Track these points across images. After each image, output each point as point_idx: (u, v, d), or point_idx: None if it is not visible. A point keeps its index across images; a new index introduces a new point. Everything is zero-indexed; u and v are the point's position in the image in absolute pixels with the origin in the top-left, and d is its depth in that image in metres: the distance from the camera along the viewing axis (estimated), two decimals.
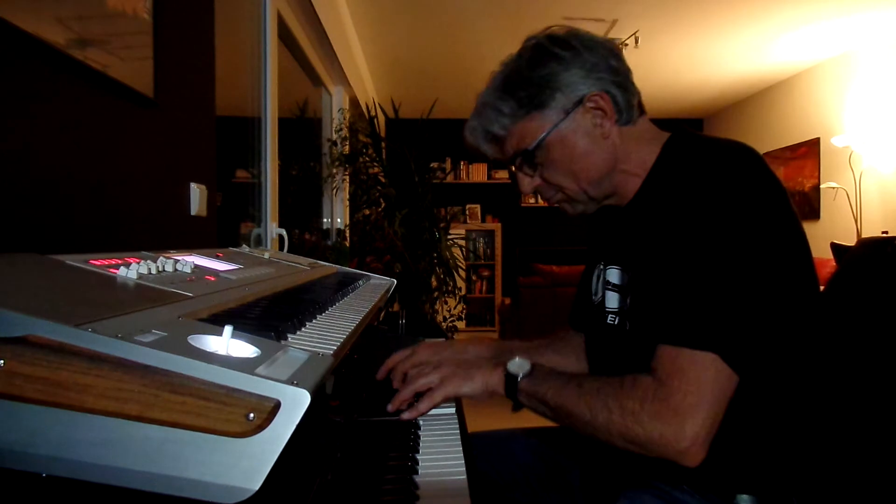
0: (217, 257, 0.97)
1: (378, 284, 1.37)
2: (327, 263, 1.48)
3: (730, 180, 0.80)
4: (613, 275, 0.98)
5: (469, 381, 0.91)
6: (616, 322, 0.96)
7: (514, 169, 0.98)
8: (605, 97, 0.90)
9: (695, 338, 0.75)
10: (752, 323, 0.76)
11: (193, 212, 1.47)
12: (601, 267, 1.01)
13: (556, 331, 1.19)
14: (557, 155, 0.92)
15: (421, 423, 0.92)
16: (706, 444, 0.73)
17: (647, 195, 0.93)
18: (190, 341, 0.46)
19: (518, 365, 0.88)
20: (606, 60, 0.91)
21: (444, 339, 1.27)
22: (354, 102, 4.33)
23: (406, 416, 0.88)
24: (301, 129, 3.54)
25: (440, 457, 0.77)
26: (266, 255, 1.23)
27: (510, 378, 0.88)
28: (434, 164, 4.88)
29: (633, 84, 0.94)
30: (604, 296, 0.99)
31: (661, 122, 0.97)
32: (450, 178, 6.60)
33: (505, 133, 0.94)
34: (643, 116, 0.96)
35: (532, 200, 6.95)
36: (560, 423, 0.85)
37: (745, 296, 0.76)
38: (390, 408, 0.91)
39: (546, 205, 6.63)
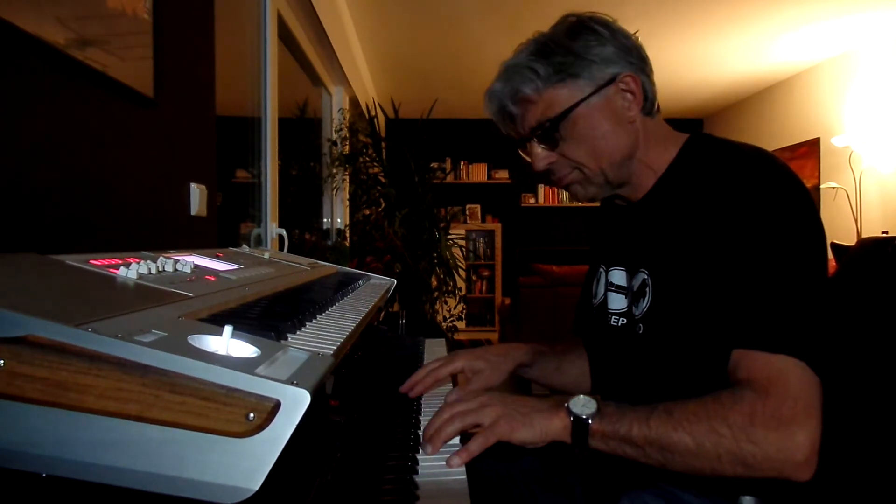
0: (217, 257, 0.97)
1: (378, 284, 1.37)
2: (327, 263, 1.48)
3: (769, 182, 0.80)
4: (617, 276, 0.97)
5: (527, 427, 0.76)
6: (620, 324, 0.94)
7: (528, 145, 0.94)
8: (636, 80, 0.89)
9: (784, 343, 0.72)
10: (821, 328, 0.74)
11: (193, 212, 1.47)
12: (602, 269, 1.01)
13: (567, 338, 1.18)
14: (582, 129, 0.89)
15: (421, 422, 0.92)
16: (818, 453, 0.69)
17: (664, 193, 0.91)
18: (190, 341, 0.46)
19: (583, 405, 0.76)
20: (638, 49, 0.91)
21: (480, 346, 1.14)
22: (354, 102, 4.33)
23: (457, 461, 0.73)
24: (301, 129, 3.54)
25: (440, 457, 0.77)
26: (266, 255, 1.23)
27: (578, 423, 0.75)
28: (434, 164, 4.88)
29: (653, 80, 0.94)
30: (606, 297, 0.98)
31: None
32: (450, 178, 6.60)
33: (536, 96, 0.90)
34: (658, 114, 0.95)
35: (532, 200, 6.95)
36: (648, 461, 0.73)
37: (811, 299, 0.75)
38: (430, 451, 0.76)
39: (546, 204, 6.56)
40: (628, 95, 0.89)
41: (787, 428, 0.68)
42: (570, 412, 0.75)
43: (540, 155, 0.93)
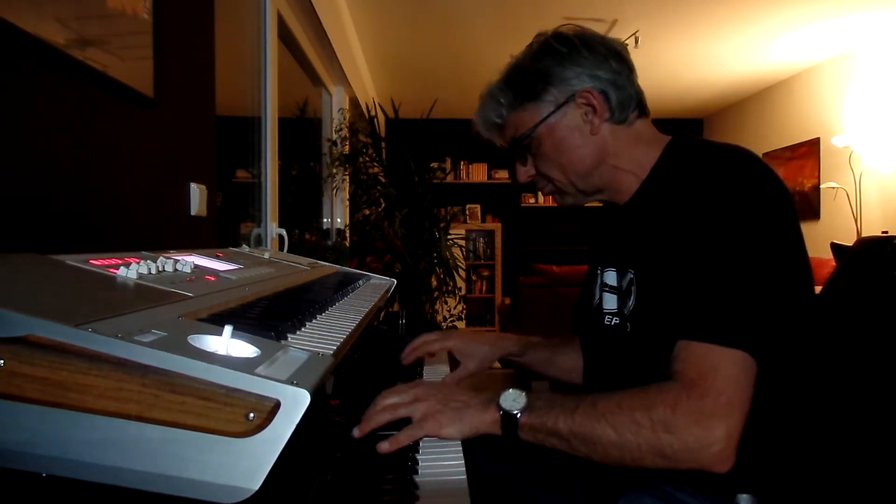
0: (217, 257, 0.97)
1: (378, 284, 1.37)
2: (327, 263, 1.48)
3: (740, 181, 0.81)
4: (610, 277, 0.99)
5: (456, 423, 0.78)
6: (613, 323, 0.96)
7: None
8: (595, 94, 0.92)
9: (723, 334, 0.73)
10: (772, 320, 0.76)
11: (193, 212, 1.47)
12: (598, 270, 1.03)
13: (563, 333, 1.20)
14: (546, 146, 0.95)
15: None
16: (737, 447, 0.70)
17: (648, 195, 0.94)
18: (190, 341, 0.46)
19: (513, 399, 0.78)
20: (606, 60, 0.93)
21: (475, 329, 1.24)
22: (354, 102, 4.33)
23: (385, 447, 0.74)
24: (301, 129, 3.54)
25: (440, 457, 0.77)
26: (266, 255, 1.23)
27: (507, 417, 0.77)
28: (434, 164, 4.87)
29: (633, 85, 0.95)
30: (601, 298, 1.00)
31: (661, 122, 0.98)
32: (450, 178, 6.59)
33: (501, 122, 0.98)
34: (643, 118, 0.97)
35: (532, 200, 6.95)
36: (575, 453, 0.75)
37: (764, 292, 0.76)
38: (356, 433, 0.76)
39: (546, 205, 6.55)
40: (588, 109, 0.93)
41: (707, 421, 0.69)
42: (499, 407, 0.78)
43: (520, 170, 1.02)
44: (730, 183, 0.81)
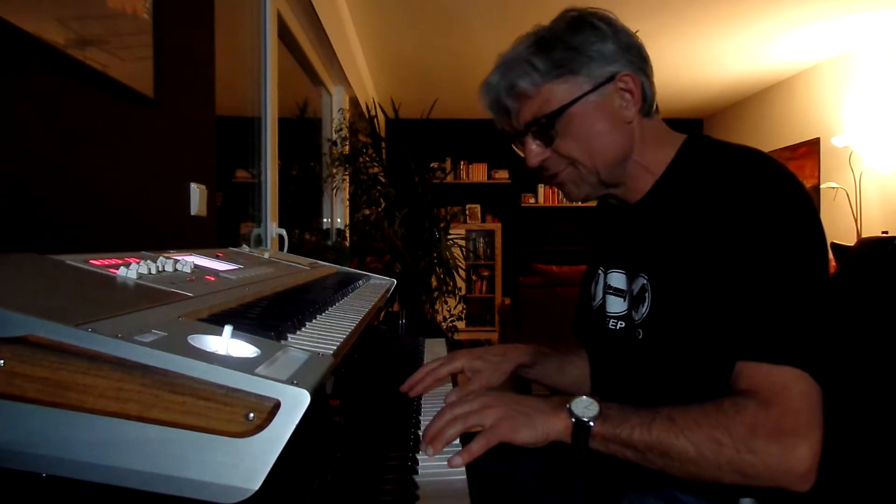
0: (217, 257, 0.97)
1: (378, 284, 1.37)
2: (327, 263, 1.48)
3: (771, 186, 0.79)
4: (616, 279, 0.96)
5: (529, 428, 0.75)
6: (619, 327, 0.94)
7: (522, 141, 0.93)
8: (636, 80, 0.87)
9: (790, 354, 0.72)
10: (827, 334, 0.74)
11: (193, 212, 1.47)
12: (601, 271, 1.00)
13: (568, 339, 1.16)
14: (578, 127, 0.88)
15: (421, 422, 0.92)
16: (818, 466, 0.69)
17: (662, 196, 0.90)
18: (190, 341, 0.46)
19: (585, 406, 0.75)
20: (639, 48, 0.89)
21: (480, 347, 1.12)
22: (354, 102, 4.33)
23: (458, 461, 0.73)
24: (301, 129, 3.54)
25: (440, 457, 0.77)
26: (266, 255, 1.23)
27: (579, 425, 0.75)
28: (434, 164, 4.87)
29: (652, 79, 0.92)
30: (604, 300, 0.98)
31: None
32: (450, 178, 6.59)
33: (534, 91, 0.88)
34: (657, 115, 0.94)
35: (532, 200, 6.95)
36: (648, 465, 0.74)
37: (817, 305, 0.75)
38: (430, 452, 0.75)
39: (546, 204, 6.50)
40: (626, 95, 0.88)
41: (788, 440, 0.68)
42: (571, 413, 0.75)
43: (534, 151, 0.92)
44: (758, 188, 0.79)
